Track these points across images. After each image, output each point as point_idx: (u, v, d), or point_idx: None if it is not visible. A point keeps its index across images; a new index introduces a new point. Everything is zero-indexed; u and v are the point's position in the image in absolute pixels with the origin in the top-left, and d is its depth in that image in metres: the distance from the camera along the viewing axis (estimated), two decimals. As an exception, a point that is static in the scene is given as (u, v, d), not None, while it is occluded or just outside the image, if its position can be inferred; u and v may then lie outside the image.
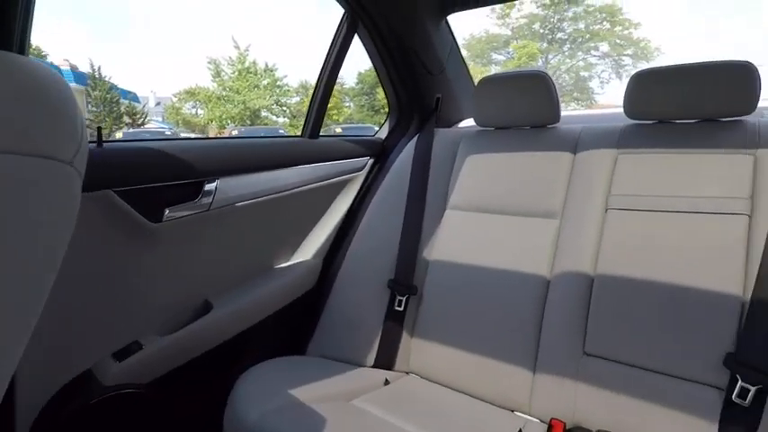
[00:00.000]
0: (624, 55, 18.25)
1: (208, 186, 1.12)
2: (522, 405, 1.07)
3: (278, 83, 17.37)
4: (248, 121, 17.24)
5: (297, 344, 1.37)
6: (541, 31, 19.27)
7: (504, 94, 1.28)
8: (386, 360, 1.26)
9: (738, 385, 0.83)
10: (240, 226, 1.25)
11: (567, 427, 0.99)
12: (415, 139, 1.48)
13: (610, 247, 1.04)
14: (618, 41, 18.05)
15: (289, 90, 17.64)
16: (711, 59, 1.04)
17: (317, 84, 1.38)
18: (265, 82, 17.27)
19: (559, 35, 19.14)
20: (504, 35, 19.47)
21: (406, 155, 1.46)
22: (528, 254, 1.15)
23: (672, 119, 1.11)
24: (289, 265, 1.42)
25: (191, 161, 1.08)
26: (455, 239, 1.28)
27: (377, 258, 1.34)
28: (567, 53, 19.38)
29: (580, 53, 19.13)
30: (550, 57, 19.41)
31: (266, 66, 17.31)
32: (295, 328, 1.42)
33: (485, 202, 1.27)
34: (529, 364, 1.07)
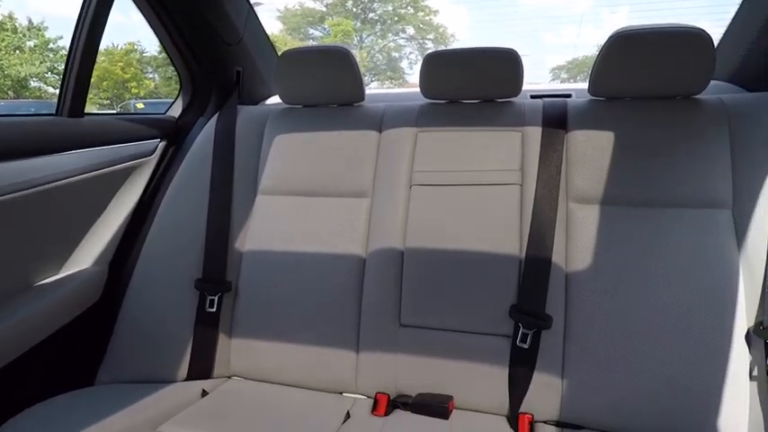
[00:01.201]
0: (427, 39, 20.19)
1: None
2: (349, 386, 1.08)
3: (50, 45, 14.05)
4: (10, 93, 13.59)
5: (82, 373, 1.11)
6: (354, 9, 19.88)
7: (306, 69, 1.22)
8: (202, 369, 1.12)
9: (521, 332, 0.97)
10: None
11: (391, 398, 1.03)
12: (216, 117, 1.31)
13: (415, 222, 1.09)
14: (421, 26, 19.83)
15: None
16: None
17: (71, 48, 1.08)
18: (31, 43, 13.79)
19: (371, 15, 20.06)
20: (319, 10, 19.46)
21: (205, 135, 1.29)
22: (343, 235, 1.13)
23: (459, 99, 1.21)
24: (60, 278, 1.12)
25: None
26: (268, 226, 1.19)
27: (179, 256, 1.17)
28: (379, 33, 20.49)
29: (390, 34, 20.44)
30: (365, 36, 20.25)
31: (30, 23, 13.79)
32: (78, 354, 1.15)
33: (297, 185, 1.20)
34: (352, 345, 1.08)
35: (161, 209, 1.22)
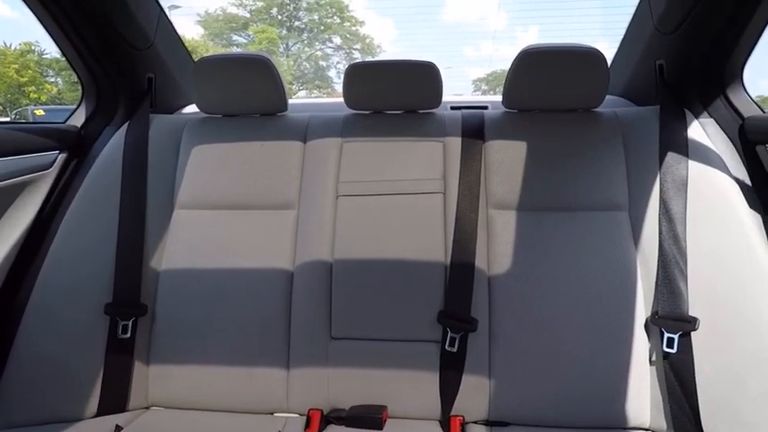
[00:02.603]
0: (354, 49, 20.35)
1: None
2: (280, 405, 1.04)
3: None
4: None
5: None
6: (279, 17, 19.53)
7: (225, 77, 1.17)
8: (115, 401, 1.03)
9: (449, 336, 1.00)
10: None
11: (324, 414, 1.01)
12: (125, 127, 1.22)
13: (342, 233, 1.09)
14: (348, 36, 19.94)
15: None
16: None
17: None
18: None
19: (297, 23, 19.82)
20: (242, 17, 18.88)
21: (113, 147, 1.19)
22: (269, 248, 1.10)
23: (383, 109, 1.23)
24: None
25: None
26: (187, 243, 1.12)
27: (85, 280, 1.06)
28: (306, 42, 20.30)
29: (317, 43, 20.33)
30: (291, 44, 19.98)
31: None
32: None
33: (217, 198, 1.15)
34: (282, 362, 1.04)
35: (62, 228, 1.10)
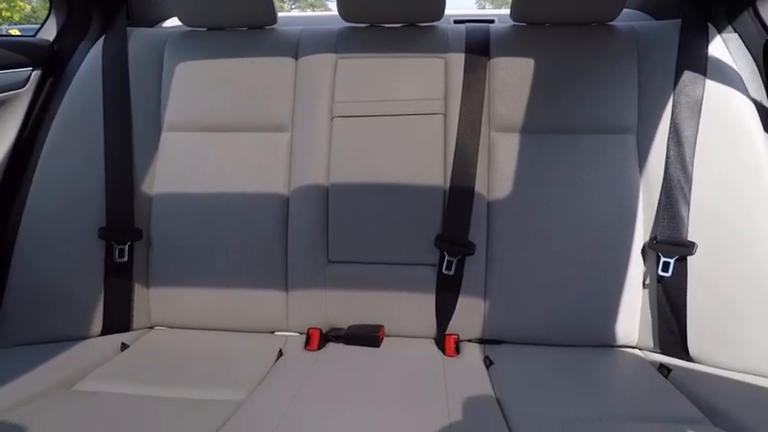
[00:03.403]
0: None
1: None
2: (280, 324, 1.07)
3: None
4: None
5: None
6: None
7: None
8: (119, 322, 1.05)
9: (446, 260, 1.00)
10: None
11: (324, 333, 1.04)
12: (101, 41, 1.13)
13: (338, 155, 1.05)
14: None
15: None
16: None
17: None
18: None
19: (286, -69, 18.06)
20: None
21: (91, 63, 1.11)
22: (263, 172, 1.07)
23: (380, 22, 1.13)
24: None
25: None
26: (179, 167, 1.08)
27: (76, 204, 1.04)
28: (297, -48, 18.63)
29: (309, -46, 18.68)
30: (281, -45, 18.33)
31: None
32: None
33: (207, 120, 1.09)
34: (281, 284, 1.06)
35: (46, 150, 1.05)
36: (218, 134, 1.09)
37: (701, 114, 0.95)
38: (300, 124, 1.07)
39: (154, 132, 1.10)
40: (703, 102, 0.95)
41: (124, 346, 0.99)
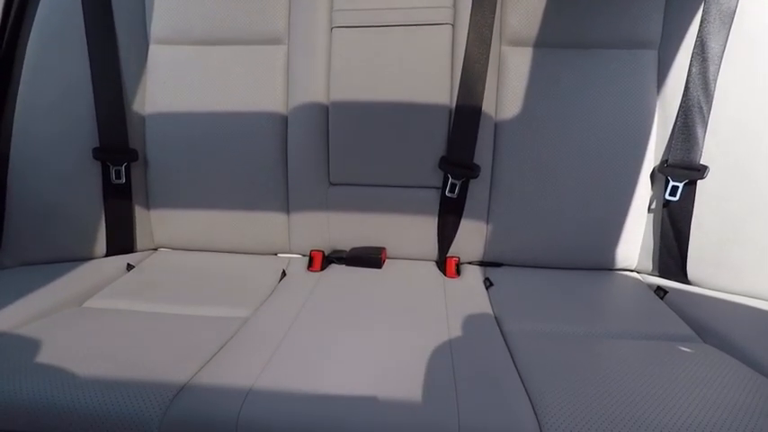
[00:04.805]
0: None
1: None
2: (282, 246, 1.08)
3: None
4: None
5: None
6: None
7: None
8: (122, 243, 1.06)
9: (449, 182, 0.98)
10: None
11: (326, 255, 1.05)
12: None
13: (338, 70, 0.99)
14: None
15: None
16: None
17: None
18: None
19: None
20: None
21: None
22: (259, 88, 1.01)
23: None
24: None
25: None
26: (170, 84, 1.03)
27: (66, 123, 0.99)
28: None
29: None
30: None
31: None
32: None
33: (197, 32, 1.01)
34: (282, 207, 1.05)
35: (26, 71, 0.97)
36: (209, 47, 1.02)
37: (732, 28, 0.87)
38: (297, 36, 1.00)
39: (141, 46, 1.03)
40: (735, 15, 0.87)
41: (129, 267, 1.01)
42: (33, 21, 0.99)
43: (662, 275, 0.97)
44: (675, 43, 0.92)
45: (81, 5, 0.99)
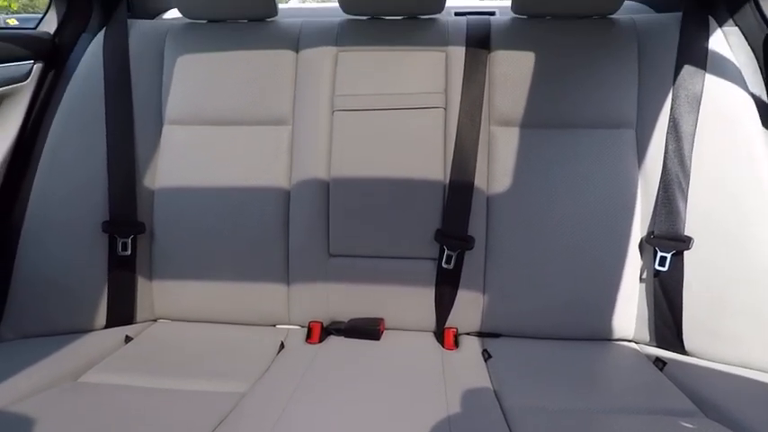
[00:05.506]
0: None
1: None
2: (281, 317, 1.08)
3: None
4: None
5: None
6: None
7: None
8: (123, 314, 1.07)
9: (445, 254, 1.01)
10: None
11: (325, 326, 1.05)
12: (102, 34, 1.12)
13: (339, 149, 1.05)
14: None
15: None
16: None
17: None
18: None
19: None
20: None
21: (92, 55, 1.11)
22: (264, 165, 1.07)
23: (381, 14, 1.13)
24: None
25: None
26: (181, 160, 1.09)
27: (79, 197, 1.04)
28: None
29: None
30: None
31: None
32: None
33: (208, 113, 1.09)
34: (282, 278, 1.07)
35: (49, 143, 1.05)
36: (219, 127, 1.09)
37: (700, 109, 0.95)
38: (301, 117, 1.08)
39: (155, 125, 1.11)
40: (702, 96, 0.95)
41: (128, 339, 1.01)
42: (61, 99, 1.08)
43: (660, 346, 0.97)
44: (650, 123, 1.00)
45: (104, 88, 1.08)
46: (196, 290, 1.08)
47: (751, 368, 0.87)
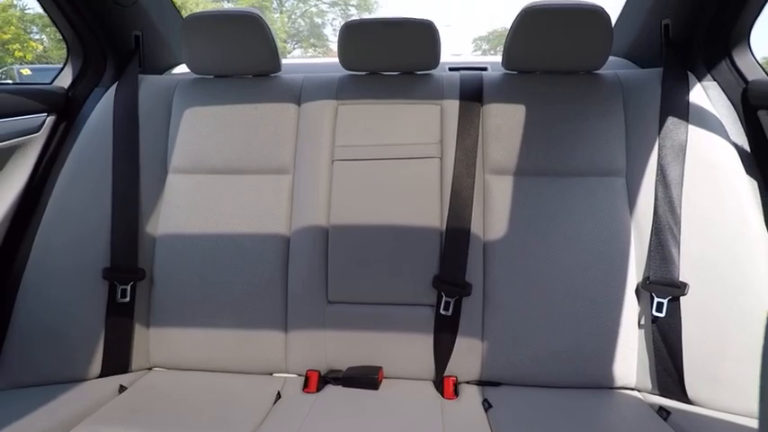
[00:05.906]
0: (350, 5, 19.56)
1: None
2: (279, 366, 1.07)
3: None
4: None
5: None
6: (272, -30, 18.61)
7: (214, 36, 1.13)
8: (117, 363, 1.05)
9: (443, 300, 1.01)
10: None
11: (322, 375, 1.04)
12: (114, 88, 1.18)
13: (338, 198, 1.08)
14: (343, -10, 19.11)
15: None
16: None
17: None
18: None
19: (289, -23, 18.92)
20: (233, -31, 17.97)
21: (103, 109, 1.16)
22: (265, 213, 1.09)
23: (379, 70, 1.19)
24: None
25: None
26: (183, 208, 1.11)
27: (81, 244, 1.06)
28: (299, -3, 19.42)
29: (311, -1, 19.50)
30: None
31: None
32: None
33: (212, 163, 1.13)
34: (280, 325, 1.06)
35: (56, 192, 1.08)
36: (221, 176, 1.13)
37: (686, 158, 0.99)
38: (302, 167, 1.11)
39: (160, 175, 1.14)
40: (687, 146, 0.99)
41: (122, 389, 0.99)
42: (70, 150, 1.12)
43: (662, 394, 0.96)
44: (639, 171, 1.03)
45: (112, 139, 1.12)
46: (193, 337, 1.07)
47: (754, 417, 0.85)
